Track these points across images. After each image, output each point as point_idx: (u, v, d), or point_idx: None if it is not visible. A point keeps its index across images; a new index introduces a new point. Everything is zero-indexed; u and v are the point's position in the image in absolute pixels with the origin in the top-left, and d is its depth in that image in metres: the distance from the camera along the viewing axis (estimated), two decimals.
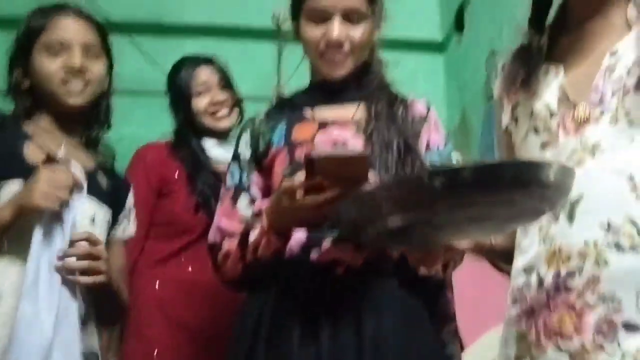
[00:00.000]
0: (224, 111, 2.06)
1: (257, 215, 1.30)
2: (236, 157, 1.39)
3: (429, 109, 1.38)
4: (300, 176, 1.09)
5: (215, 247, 1.34)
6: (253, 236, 1.23)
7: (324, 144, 1.29)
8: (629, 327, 0.85)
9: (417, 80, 3.20)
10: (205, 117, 2.05)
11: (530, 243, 0.97)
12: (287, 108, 1.39)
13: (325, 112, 1.35)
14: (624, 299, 0.84)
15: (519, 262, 0.99)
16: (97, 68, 1.42)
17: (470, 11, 3.19)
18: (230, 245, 1.29)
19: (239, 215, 1.33)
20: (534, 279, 0.95)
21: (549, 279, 0.92)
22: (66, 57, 1.36)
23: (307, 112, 1.36)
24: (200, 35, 2.91)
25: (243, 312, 1.30)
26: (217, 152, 2.06)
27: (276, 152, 1.33)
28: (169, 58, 3.09)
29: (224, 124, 2.06)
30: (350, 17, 1.28)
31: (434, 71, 3.53)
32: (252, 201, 1.34)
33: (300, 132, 1.33)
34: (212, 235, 1.36)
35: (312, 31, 1.29)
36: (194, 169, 2.01)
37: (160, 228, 1.99)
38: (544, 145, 0.98)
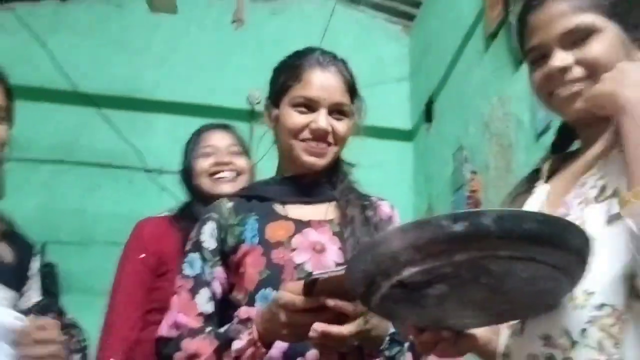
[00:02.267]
0: (226, 174, 1.86)
1: (241, 322, 1.21)
2: (197, 245, 1.30)
3: (393, 210, 1.40)
4: (294, 290, 1.05)
5: (169, 343, 1.23)
6: (238, 344, 1.15)
7: (302, 247, 1.25)
8: None
9: (386, 167, 3.25)
10: (204, 178, 1.85)
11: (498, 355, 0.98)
12: (255, 200, 1.34)
13: (298, 210, 1.32)
14: None
15: None
16: (2, 130, 1.37)
17: (439, 105, 3.30)
18: (198, 346, 1.20)
19: (197, 310, 1.25)
20: None
21: None
22: None
23: (278, 207, 1.32)
24: (173, 113, 2.93)
25: None
26: None
27: (248, 251, 1.27)
28: (140, 133, 3.14)
29: (223, 188, 1.82)
30: (336, 111, 1.30)
31: (403, 159, 3.60)
32: (213, 296, 1.27)
33: (275, 231, 1.28)
34: (166, 330, 1.25)
35: (296, 118, 1.29)
36: None
37: (158, 313, 1.72)
38: None
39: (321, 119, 1.27)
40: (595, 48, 0.94)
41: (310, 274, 1.04)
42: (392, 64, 3.69)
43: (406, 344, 1.19)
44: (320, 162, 1.30)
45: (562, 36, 0.95)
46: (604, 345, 0.80)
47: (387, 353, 1.16)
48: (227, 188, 1.81)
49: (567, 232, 0.74)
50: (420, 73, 3.57)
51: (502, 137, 2.38)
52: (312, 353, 1.16)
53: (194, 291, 1.26)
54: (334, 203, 1.33)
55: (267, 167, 3.61)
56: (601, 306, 0.81)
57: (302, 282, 1.03)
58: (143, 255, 1.82)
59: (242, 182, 1.87)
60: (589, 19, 0.94)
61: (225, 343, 1.16)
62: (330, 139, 1.29)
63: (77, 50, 3.32)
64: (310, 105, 1.28)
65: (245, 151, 1.95)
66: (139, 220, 1.90)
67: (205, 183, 1.85)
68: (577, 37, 0.95)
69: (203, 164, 1.86)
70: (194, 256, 1.29)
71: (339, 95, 1.30)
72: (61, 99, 3.23)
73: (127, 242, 1.87)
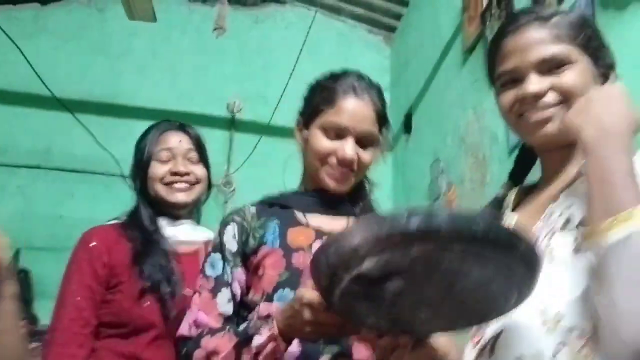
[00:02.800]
0: (181, 185, 1.78)
1: (261, 318, 1.23)
2: (219, 247, 1.33)
3: None
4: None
5: (189, 341, 1.26)
6: (259, 339, 1.16)
7: None
8: None
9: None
10: (158, 185, 1.78)
11: None
12: (277, 207, 1.37)
13: (318, 220, 1.34)
14: None
15: None
16: None
17: (418, 117, 3.33)
18: (217, 343, 1.21)
19: (217, 310, 1.28)
20: None
21: None
22: None
23: (299, 215, 1.34)
24: (152, 119, 2.90)
25: None
26: (173, 232, 1.80)
27: (268, 253, 1.29)
28: (118, 139, 3.12)
29: (178, 196, 1.77)
30: (363, 140, 1.31)
31: (382, 169, 3.60)
32: (233, 297, 1.29)
33: (296, 236, 1.30)
34: (186, 329, 1.28)
35: (325, 143, 1.31)
36: (143, 248, 1.73)
37: (111, 329, 1.69)
38: None
39: (348, 148, 1.29)
40: (570, 77, 0.97)
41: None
42: (372, 74, 3.66)
43: None
44: (342, 187, 1.33)
45: (540, 62, 0.98)
46: None
47: None
48: (182, 197, 1.78)
49: (514, 238, 0.77)
50: (400, 84, 3.60)
51: (477, 150, 2.40)
52: (325, 358, 1.18)
53: (214, 291, 1.29)
54: (352, 218, 1.34)
55: (245, 175, 3.59)
56: (571, 329, 0.83)
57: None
58: (86, 256, 1.71)
59: (197, 191, 1.82)
60: (565, 49, 0.98)
61: (245, 339, 1.17)
62: (355, 166, 1.31)
63: (57, 55, 3.30)
64: (339, 132, 1.30)
65: (202, 157, 1.87)
66: (86, 230, 1.79)
67: (160, 189, 1.78)
68: (553, 65, 0.98)
69: (159, 170, 1.78)
70: (216, 257, 1.32)
71: (368, 125, 1.31)
72: (38, 104, 3.21)
73: (74, 253, 1.75)
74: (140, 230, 1.76)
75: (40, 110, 3.22)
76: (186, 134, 1.86)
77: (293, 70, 3.25)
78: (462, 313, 0.88)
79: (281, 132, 3.46)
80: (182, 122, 1.89)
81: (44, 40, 3.32)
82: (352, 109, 1.30)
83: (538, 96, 0.97)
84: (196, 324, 1.27)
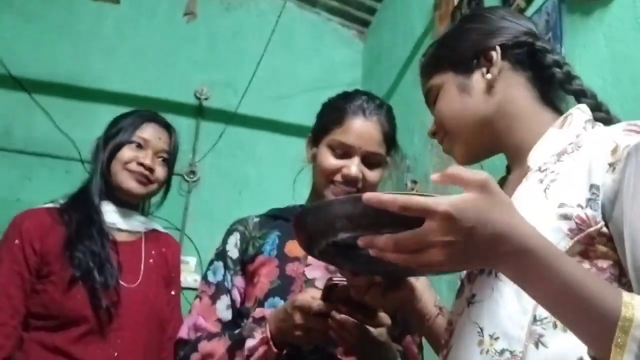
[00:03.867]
0: (141, 177, 1.77)
1: (256, 321, 1.26)
2: (222, 255, 1.38)
3: None
4: (312, 295, 1.11)
5: (187, 345, 1.29)
6: (251, 342, 1.19)
7: (316, 264, 1.29)
8: None
9: None
10: (120, 168, 1.75)
11: None
12: (281, 220, 1.41)
13: None
14: None
15: None
16: None
17: None
18: (213, 347, 1.24)
19: (216, 315, 1.31)
20: None
21: None
22: None
23: None
24: (117, 104, 2.84)
25: None
26: (115, 218, 1.77)
27: (264, 262, 1.33)
28: (80, 123, 3.05)
29: (132, 186, 1.75)
30: (369, 160, 1.34)
31: None
32: (232, 303, 1.33)
33: (294, 248, 1.33)
34: (185, 332, 1.31)
35: (331, 161, 1.34)
36: (77, 232, 1.66)
37: (40, 321, 1.63)
38: (458, 292, 0.99)
39: (353, 167, 1.31)
40: (439, 106, 1.04)
41: (330, 279, 1.10)
42: (344, 68, 3.70)
43: None
44: None
45: (425, 96, 1.08)
46: None
47: None
48: (136, 188, 1.77)
49: None
50: (372, 79, 3.59)
51: (442, 149, 2.41)
52: None
53: (214, 297, 1.33)
54: None
55: (211, 165, 3.55)
56: (502, 351, 0.81)
57: (320, 290, 1.10)
58: (17, 241, 1.65)
59: (151, 189, 1.81)
60: (433, 80, 1.05)
61: (238, 342, 1.21)
62: (359, 185, 1.33)
63: (20, 33, 3.19)
64: (346, 151, 1.33)
65: (170, 162, 1.87)
66: (19, 213, 1.73)
67: (119, 172, 1.76)
68: (432, 98, 1.06)
69: (127, 154, 1.77)
70: (218, 264, 1.37)
71: (374, 145, 1.33)
72: None
73: (4, 237, 1.69)
74: (79, 212, 1.71)
75: None
76: (167, 135, 1.87)
77: (261, 59, 3.22)
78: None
79: (248, 121, 3.43)
80: (169, 123, 1.89)
81: (6, 17, 3.22)
82: (360, 129, 1.33)
83: (433, 135, 1.08)
84: (195, 328, 1.30)
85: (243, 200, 3.25)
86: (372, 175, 1.34)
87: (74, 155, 3.01)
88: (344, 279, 1.07)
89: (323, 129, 1.38)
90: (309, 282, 1.27)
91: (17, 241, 1.66)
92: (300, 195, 1.51)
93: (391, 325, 1.15)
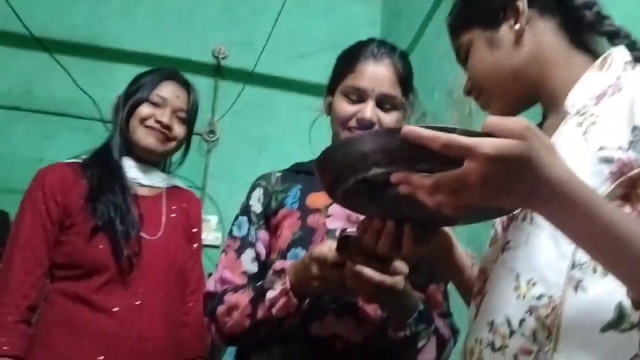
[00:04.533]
0: (158, 134, 1.79)
1: (276, 273, 1.28)
2: (246, 209, 1.40)
3: None
4: (328, 247, 1.12)
5: (215, 297, 1.32)
6: (272, 294, 1.21)
7: (337, 215, 1.31)
8: None
9: None
10: (138, 124, 1.78)
11: None
12: (303, 174, 1.42)
13: None
14: None
15: None
16: None
17: None
18: (237, 298, 1.27)
19: (241, 268, 1.34)
20: None
21: None
22: None
23: None
24: (135, 63, 2.84)
25: None
26: (136, 174, 1.80)
27: (287, 214, 1.35)
28: (100, 82, 3.06)
29: (150, 142, 1.78)
30: (384, 103, 1.32)
31: None
32: (257, 257, 1.35)
33: (315, 200, 1.35)
34: (212, 285, 1.34)
35: (346, 107, 1.33)
36: (99, 185, 1.70)
37: (63, 271, 1.67)
38: (491, 240, 0.99)
39: (367, 110, 1.30)
40: (470, 63, 1.03)
41: (343, 230, 1.12)
42: (362, 26, 3.64)
43: (433, 326, 1.25)
44: None
45: (456, 54, 1.07)
46: (538, 336, 0.80)
47: (412, 327, 1.20)
48: (153, 144, 1.79)
49: None
50: (391, 37, 3.54)
51: (463, 105, 2.39)
52: (330, 316, 1.22)
53: (240, 251, 1.35)
54: None
55: (230, 124, 3.56)
56: (540, 297, 0.81)
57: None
58: (40, 195, 1.69)
59: (170, 146, 1.83)
60: (462, 38, 1.04)
61: (260, 293, 1.24)
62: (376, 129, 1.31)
63: None
64: (359, 96, 1.32)
65: (190, 120, 1.88)
66: (41, 168, 1.77)
67: (137, 129, 1.79)
68: (463, 56, 1.05)
69: (145, 111, 1.80)
70: (242, 219, 1.39)
71: (388, 87, 1.32)
72: (17, 44, 3.11)
73: (28, 191, 1.73)
74: (101, 167, 1.75)
75: (19, 50, 3.12)
76: (186, 93, 1.87)
77: (278, 17, 3.19)
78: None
79: (265, 80, 3.41)
80: (188, 82, 1.90)
81: None
82: (372, 71, 1.32)
83: (468, 94, 1.06)
84: (221, 281, 1.33)
85: (262, 160, 3.26)
86: (388, 118, 1.33)
87: (94, 114, 3.04)
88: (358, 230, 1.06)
89: (337, 78, 1.38)
90: (330, 233, 1.28)
91: (40, 194, 1.69)
92: (318, 152, 1.50)
93: (415, 273, 1.15)
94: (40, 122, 3.08)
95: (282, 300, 1.19)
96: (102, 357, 1.61)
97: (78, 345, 1.61)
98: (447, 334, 1.29)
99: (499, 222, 0.97)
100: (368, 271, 1.07)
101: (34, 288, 1.65)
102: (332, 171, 0.85)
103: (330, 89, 1.40)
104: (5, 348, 1.56)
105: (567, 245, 0.78)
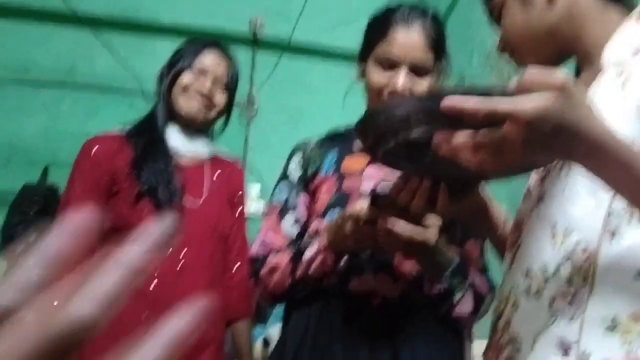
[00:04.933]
0: (199, 103, 1.81)
1: (314, 234, 1.32)
2: (286, 175, 1.44)
3: None
4: (362, 206, 1.13)
5: (258, 260, 1.37)
6: (309, 253, 1.25)
7: (372, 178, 1.32)
8: None
9: None
10: (179, 93, 1.80)
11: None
12: (340, 139, 1.44)
13: None
14: (523, 341, 0.88)
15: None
16: None
17: (446, 33, 3.23)
18: (279, 259, 1.32)
19: (282, 232, 1.38)
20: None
21: (493, 316, 0.98)
22: None
23: (357, 144, 1.40)
24: (175, 36, 2.88)
25: (288, 325, 1.35)
26: (179, 142, 1.83)
27: (323, 179, 1.38)
28: (140, 57, 3.11)
29: (190, 111, 1.80)
30: (416, 70, 1.30)
31: None
32: (297, 221, 1.39)
33: (351, 163, 1.37)
34: (256, 249, 1.39)
35: (378, 76, 1.32)
36: (144, 153, 1.75)
37: (114, 233, 1.76)
38: (526, 193, 1.00)
39: (399, 80, 1.29)
40: (503, 23, 1.01)
41: (374, 189, 1.13)
42: None
43: (469, 280, 1.26)
44: None
45: (489, 14, 1.06)
46: (574, 280, 0.82)
47: (447, 282, 1.23)
48: (194, 112, 1.80)
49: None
50: (429, 2, 3.49)
51: (502, 69, 2.36)
52: (367, 272, 1.26)
53: (281, 216, 1.40)
54: None
55: (268, 95, 3.56)
56: (576, 244, 0.83)
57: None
58: (87, 164, 1.74)
59: (211, 114, 1.84)
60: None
61: (299, 253, 1.28)
62: None
63: None
64: (391, 64, 1.30)
65: (230, 88, 1.89)
66: (88, 139, 1.82)
67: (179, 97, 1.81)
68: (496, 16, 1.03)
69: (185, 79, 1.81)
70: (283, 185, 1.44)
71: (420, 53, 1.30)
72: (60, 22, 3.18)
73: (76, 161, 1.78)
74: (145, 136, 1.79)
75: (62, 28, 3.20)
76: (227, 62, 1.88)
77: None
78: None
79: (302, 50, 3.41)
80: (229, 51, 1.91)
81: None
82: (403, 38, 1.29)
83: (501, 50, 1.05)
84: (264, 245, 1.38)
85: (299, 130, 3.28)
86: (422, 85, 1.31)
87: (137, 89, 3.10)
88: (390, 188, 1.06)
89: (369, 45, 1.36)
90: (365, 196, 1.30)
91: (87, 164, 1.75)
92: (353, 120, 1.51)
93: (452, 229, 1.17)
94: (84, 98, 3.17)
95: (319, 259, 1.22)
96: (145, 314, 1.66)
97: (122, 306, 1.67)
98: (485, 289, 1.30)
99: (534, 174, 0.98)
100: (399, 226, 1.07)
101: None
102: (374, 133, 0.85)
103: (362, 56, 1.39)
104: None
105: (604, 195, 0.80)
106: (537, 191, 0.94)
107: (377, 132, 0.85)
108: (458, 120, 0.71)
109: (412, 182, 0.97)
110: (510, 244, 0.98)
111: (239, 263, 1.85)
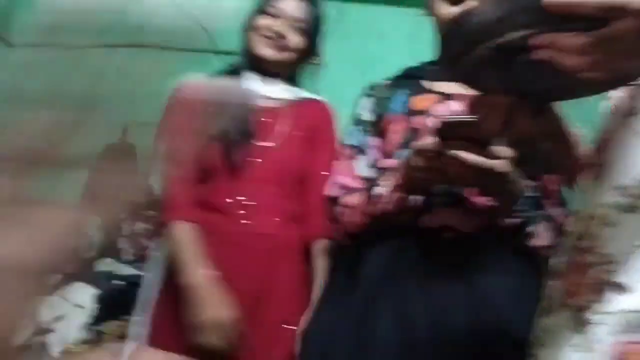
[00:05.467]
0: (274, 44, 1.82)
1: (384, 171, 1.35)
2: (357, 118, 1.47)
3: None
4: (431, 141, 1.12)
5: (332, 200, 1.41)
6: (382, 190, 1.27)
7: (440, 114, 1.31)
8: (617, 287, 0.83)
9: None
10: (253, 34, 1.84)
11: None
12: (409, 79, 1.44)
13: (445, 86, 1.37)
14: (616, 258, 0.84)
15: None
16: None
17: None
18: (352, 198, 1.36)
19: (355, 173, 1.41)
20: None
21: (572, 239, 0.93)
22: None
23: (426, 83, 1.39)
24: None
25: (362, 261, 1.35)
26: (259, 86, 1.86)
27: (393, 119, 1.39)
28: (209, 15, 3.12)
29: (267, 53, 1.81)
30: None
31: None
32: (369, 163, 1.41)
33: (420, 101, 1.37)
34: (330, 190, 1.44)
35: (444, 9, 1.30)
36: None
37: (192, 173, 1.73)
38: (610, 111, 0.96)
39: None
40: None
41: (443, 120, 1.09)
42: None
43: (543, 212, 1.25)
44: None
45: None
46: None
47: (520, 214, 1.23)
48: (267, 52, 1.82)
49: None
50: None
51: None
52: (440, 210, 1.27)
53: (353, 157, 1.45)
54: None
55: (334, 44, 3.54)
56: None
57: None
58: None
59: (285, 56, 1.84)
60: None
61: (371, 192, 1.33)
62: None
63: None
64: None
65: (309, 31, 1.88)
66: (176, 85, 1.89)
67: (253, 39, 1.84)
68: None
69: (260, 22, 1.84)
70: (354, 128, 1.49)
71: None
72: None
73: (167, 106, 1.85)
74: (224, 80, 1.80)
75: None
76: (305, 6, 1.87)
77: None
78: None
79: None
80: None
81: None
82: None
83: None
84: (338, 186, 1.43)
85: (367, 78, 3.25)
86: None
87: (207, 47, 3.13)
88: (456, 117, 1.03)
89: None
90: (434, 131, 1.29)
91: (177, 104, 1.83)
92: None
93: (529, 162, 1.13)
94: (157, 57, 3.23)
95: (390, 195, 1.24)
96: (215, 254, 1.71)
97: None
98: (562, 220, 1.27)
99: (620, 90, 0.93)
100: (465, 154, 1.04)
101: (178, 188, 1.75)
102: (463, 39, 0.78)
103: None
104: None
105: None
106: (626, 105, 0.89)
107: (466, 38, 0.77)
108: (563, 18, 0.64)
109: (488, 99, 0.91)
110: (590, 163, 0.94)
111: (317, 190, 1.80)
